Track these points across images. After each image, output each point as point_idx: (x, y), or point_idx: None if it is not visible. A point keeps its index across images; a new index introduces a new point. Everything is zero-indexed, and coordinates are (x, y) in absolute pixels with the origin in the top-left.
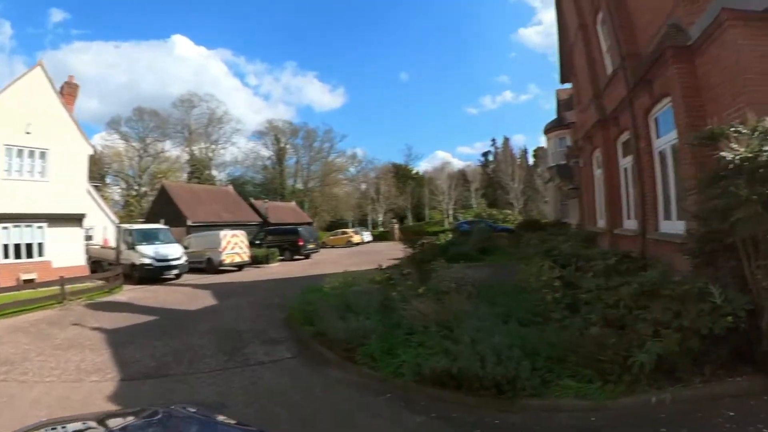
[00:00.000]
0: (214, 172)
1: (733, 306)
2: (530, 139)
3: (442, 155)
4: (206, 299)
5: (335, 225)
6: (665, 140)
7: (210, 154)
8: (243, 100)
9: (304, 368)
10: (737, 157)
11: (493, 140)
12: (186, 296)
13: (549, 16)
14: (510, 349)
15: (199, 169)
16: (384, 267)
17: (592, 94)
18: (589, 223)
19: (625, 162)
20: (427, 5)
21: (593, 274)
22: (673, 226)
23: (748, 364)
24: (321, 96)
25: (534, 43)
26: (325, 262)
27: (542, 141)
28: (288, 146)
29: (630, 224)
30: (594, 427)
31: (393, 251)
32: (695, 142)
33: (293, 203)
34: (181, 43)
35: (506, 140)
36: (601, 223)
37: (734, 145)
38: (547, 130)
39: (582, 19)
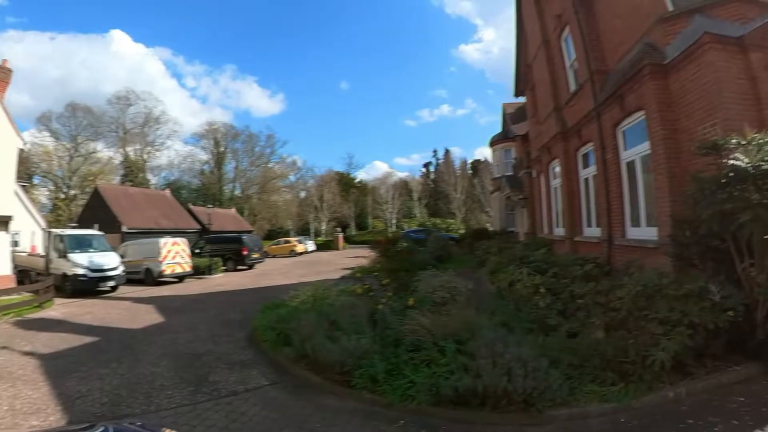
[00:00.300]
0: (149, 176)
1: (731, 302)
2: (467, 152)
3: (379, 165)
4: (151, 316)
5: (275, 234)
6: (634, 152)
7: (145, 156)
8: (180, 101)
9: (290, 397)
10: (748, 165)
11: (435, 151)
12: (128, 312)
13: (489, 34)
14: (536, 359)
15: (133, 172)
16: (343, 276)
17: (553, 108)
18: (541, 231)
19: (586, 172)
20: (371, 16)
21: (570, 279)
22: (643, 233)
23: (739, 354)
24: (260, 101)
25: (473, 59)
26: (273, 272)
27: (478, 154)
28: (227, 150)
29: (591, 231)
30: (626, 428)
31: (341, 260)
32: (698, 151)
33: (233, 210)
34: (119, 38)
35: (447, 152)
36: (559, 231)
37: (741, 156)
38: (493, 143)
39: (545, 36)
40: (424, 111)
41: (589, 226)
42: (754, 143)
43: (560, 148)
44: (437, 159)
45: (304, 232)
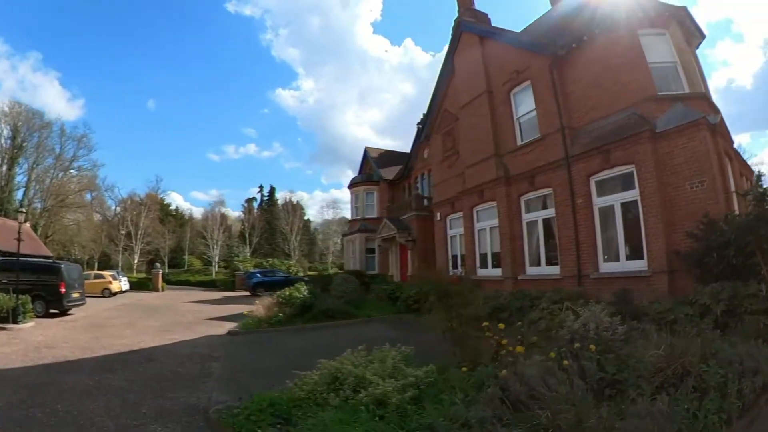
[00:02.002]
0: None
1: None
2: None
3: (175, 197)
4: None
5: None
6: (612, 198)
7: None
8: None
9: None
10: None
11: (261, 187)
12: None
13: (308, 84)
14: None
15: None
16: (229, 331)
17: (493, 154)
18: (446, 272)
19: (531, 216)
20: (192, 37)
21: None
22: (623, 266)
23: None
24: (57, 101)
25: (288, 105)
26: (111, 323)
27: (282, 198)
28: (27, 146)
29: (539, 271)
30: None
31: (185, 307)
32: (746, 197)
33: (28, 225)
34: None
35: (273, 189)
36: (489, 271)
37: None
38: (354, 184)
39: (489, 87)
40: (230, 147)
41: (536, 265)
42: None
43: (501, 192)
44: (263, 196)
45: (104, 265)
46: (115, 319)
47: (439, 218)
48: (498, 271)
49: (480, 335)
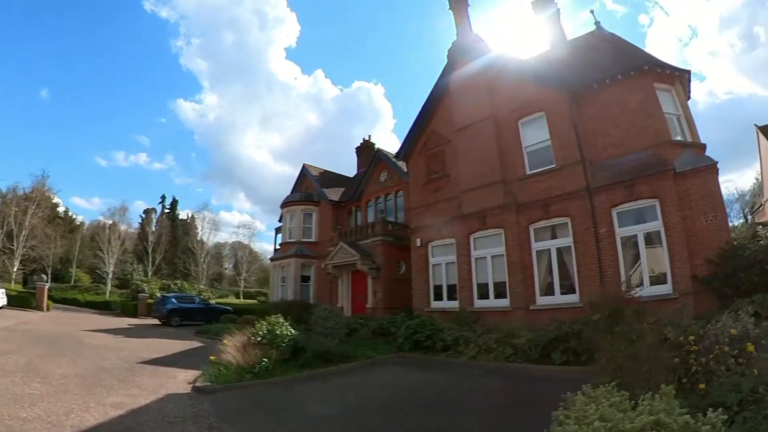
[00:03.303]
0: None
1: None
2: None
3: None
4: None
5: None
6: (635, 229)
7: None
8: None
9: None
10: None
11: (163, 197)
12: None
13: (212, 99)
14: None
15: None
16: (197, 388)
17: (500, 180)
18: (426, 305)
19: (542, 245)
20: (100, 28)
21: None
22: (647, 291)
23: None
24: None
25: (187, 118)
26: None
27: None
28: None
29: (552, 300)
30: None
31: (89, 336)
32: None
33: None
34: None
35: (175, 202)
36: (499, 302)
37: None
38: (289, 203)
39: (494, 113)
40: (120, 153)
41: (548, 294)
42: None
43: (510, 219)
44: (164, 207)
45: None
46: (1, 359)
47: (419, 244)
48: (503, 302)
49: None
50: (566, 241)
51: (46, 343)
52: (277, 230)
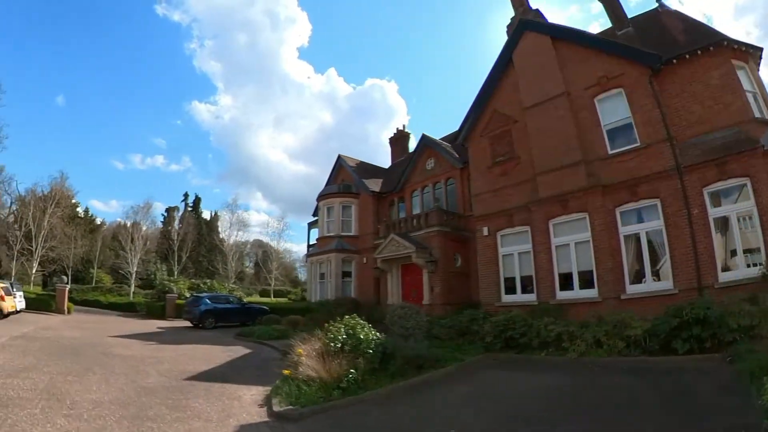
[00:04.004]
0: None
1: None
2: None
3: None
4: None
5: None
6: (727, 209)
7: None
8: None
9: None
10: None
11: (186, 195)
12: None
13: (227, 100)
14: None
15: None
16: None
17: (581, 160)
18: (497, 299)
19: (629, 229)
20: (114, 34)
21: None
22: (743, 273)
23: None
24: None
25: (203, 119)
26: (10, 400)
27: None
28: None
29: (642, 288)
30: None
31: (118, 344)
32: None
33: None
34: None
35: (198, 200)
36: (585, 293)
37: None
38: (327, 196)
39: (567, 88)
40: (137, 156)
41: (637, 282)
42: None
43: (595, 203)
44: (187, 206)
45: None
46: (16, 380)
47: (486, 234)
48: (590, 292)
49: None
50: (656, 224)
51: (69, 354)
52: (311, 225)
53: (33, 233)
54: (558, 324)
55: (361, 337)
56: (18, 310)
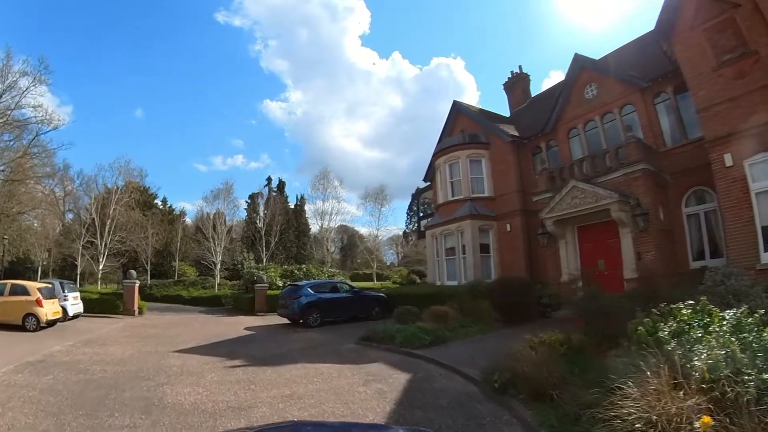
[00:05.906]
0: None
1: None
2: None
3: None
4: None
5: (15, 272)
6: None
7: None
8: None
9: None
10: None
11: (269, 179)
12: None
13: (297, 96)
14: None
15: None
16: None
17: None
18: (748, 258)
19: None
20: (181, 47)
21: None
22: None
23: None
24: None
25: (276, 117)
26: None
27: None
28: None
29: None
30: None
31: (179, 371)
32: None
33: None
34: None
35: (282, 183)
36: None
37: None
38: (448, 149)
39: None
40: (218, 158)
41: None
42: None
43: None
44: (270, 190)
45: (64, 271)
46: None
47: (730, 164)
48: None
49: None
50: None
51: (91, 403)
52: (419, 192)
53: (96, 222)
54: None
55: None
56: (72, 315)
